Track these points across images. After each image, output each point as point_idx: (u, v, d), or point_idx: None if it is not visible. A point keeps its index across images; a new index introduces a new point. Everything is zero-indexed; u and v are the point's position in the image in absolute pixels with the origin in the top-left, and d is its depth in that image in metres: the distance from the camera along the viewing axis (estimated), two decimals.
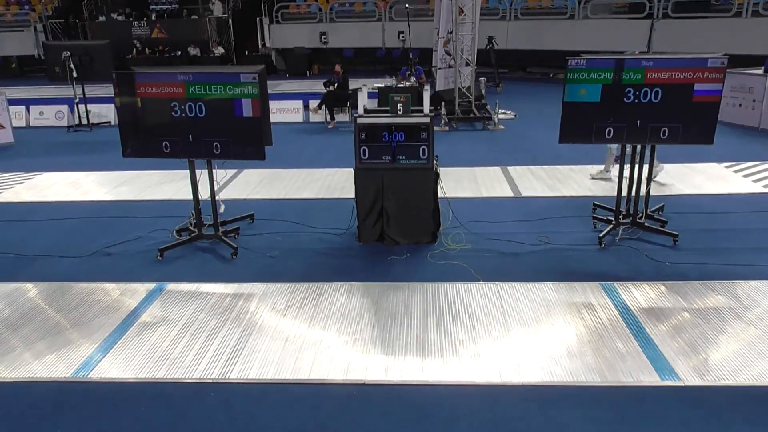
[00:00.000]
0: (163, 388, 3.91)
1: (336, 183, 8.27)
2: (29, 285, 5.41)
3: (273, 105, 11.00)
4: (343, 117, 12.94)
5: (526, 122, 12.49)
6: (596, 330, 4.42)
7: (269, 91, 6.27)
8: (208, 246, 6.17)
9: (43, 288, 5.36)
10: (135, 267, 5.74)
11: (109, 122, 13.10)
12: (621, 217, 6.15)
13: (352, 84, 13.14)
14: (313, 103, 12.98)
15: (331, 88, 12.61)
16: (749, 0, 15.24)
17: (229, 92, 5.49)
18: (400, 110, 5.90)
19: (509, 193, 7.70)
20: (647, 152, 5.95)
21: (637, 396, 3.70)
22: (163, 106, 5.62)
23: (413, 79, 12.87)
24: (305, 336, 4.46)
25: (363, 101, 12.45)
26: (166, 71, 5.73)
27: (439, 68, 13.04)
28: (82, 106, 13.02)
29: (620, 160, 6.11)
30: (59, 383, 3.98)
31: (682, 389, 3.75)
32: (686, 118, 5.50)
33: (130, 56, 21.56)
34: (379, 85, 12.78)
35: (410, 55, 14.21)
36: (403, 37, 18.55)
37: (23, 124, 13.47)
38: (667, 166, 8.04)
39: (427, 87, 12.63)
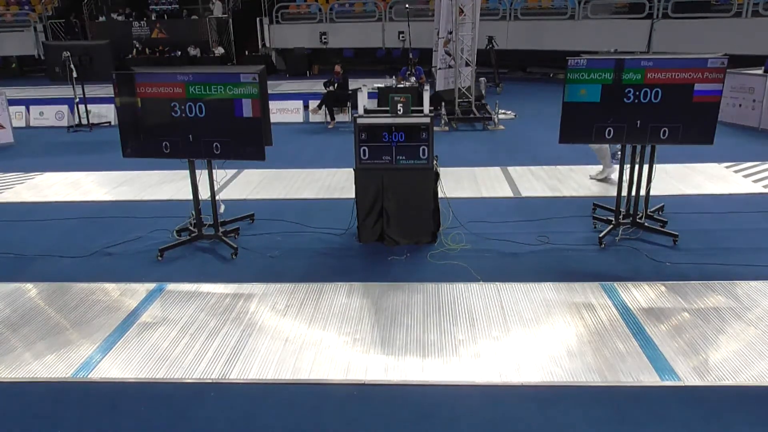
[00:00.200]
0: (163, 388, 3.91)
1: (336, 183, 8.27)
2: (29, 285, 5.41)
3: (273, 105, 11.00)
4: (343, 117, 12.94)
5: (526, 122, 12.49)
6: (596, 330, 4.42)
7: (269, 91, 6.27)
8: (208, 246, 6.17)
9: (43, 288, 5.36)
10: (135, 267, 5.74)
11: (109, 122, 13.10)
12: (621, 217, 6.15)
13: (352, 84, 13.14)
14: (313, 103, 12.98)
15: (331, 88, 12.61)
16: (749, 0, 15.25)
17: (229, 92, 5.49)
18: (400, 110, 5.90)
19: (509, 193, 7.70)
20: (647, 152, 5.95)
21: (637, 396, 3.70)
22: (163, 106, 5.62)
23: (413, 79, 12.87)
24: (305, 336, 4.46)
25: (363, 101, 12.45)
26: (166, 71, 5.72)
27: (439, 68, 13.04)
28: (82, 106, 13.02)
29: (620, 160, 6.10)
30: (59, 383, 3.99)
31: (682, 389, 3.75)
32: (686, 118, 5.50)
33: (130, 56, 21.56)
34: (379, 85, 12.78)
35: (410, 55, 14.21)
36: (403, 37, 18.55)
37: (23, 124, 13.47)
38: (667, 166, 8.05)
39: (427, 87, 12.63)
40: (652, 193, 6.19)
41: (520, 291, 5.04)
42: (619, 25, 17.49)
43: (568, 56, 5.56)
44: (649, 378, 3.85)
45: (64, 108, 13.57)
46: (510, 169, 8.74)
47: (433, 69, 14.50)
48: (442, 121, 12.00)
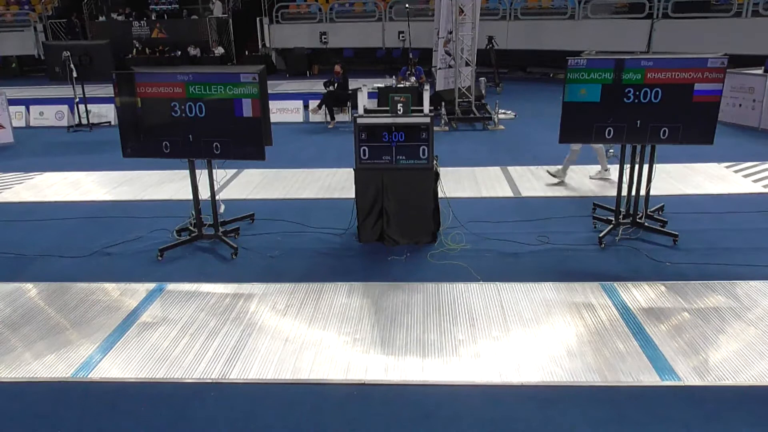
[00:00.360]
0: (163, 388, 3.91)
1: (336, 183, 8.27)
2: (29, 285, 5.41)
3: (273, 105, 10.98)
4: (343, 117, 12.94)
5: (526, 122, 12.48)
6: (596, 330, 4.42)
7: (269, 91, 6.27)
8: (208, 246, 6.17)
9: (43, 288, 5.36)
10: (135, 267, 5.74)
11: (109, 122, 13.10)
12: (621, 217, 6.15)
13: (352, 84, 13.14)
14: (313, 103, 12.98)
15: (331, 88, 12.60)
16: (749, 0, 15.25)
17: (229, 92, 5.49)
18: (400, 110, 5.90)
19: (509, 193, 7.70)
20: (647, 152, 5.95)
21: (637, 396, 3.70)
22: (163, 106, 5.62)
23: (413, 79, 12.87)
24: (305, 336, 4.46)
25: (363, 101, 12.46)
26: (166, 71, 5.73)
27: (439, 68, 13.03)
28: (82, 106, 13.02)
29: (620, 160, 6.10)
30: (59, 383, 3.99)
31: (682, 389, 3.75)
32: (686, 118, 5.50)
33: (130, 56, 21.55)
34: (379, 85, 12.77)
35: (410, 55, 14.21)
36: (403, 37, 18.55)
37: (23, 124, 13.46)
38: (668, 166, 8.04)
39: (427, 87, 12.63)
40: (652, 193, 6.19)
41: (520, 291, 5.04)
42: (619, 25, 17.49)
43: (568, 56, 5.56)
44: (649, 378, 3.85)
45: (64, 108, 13.57)
46: (510, 168, 8.74)
47: (433, 69, 14.50)
48: (442, 121, 12.00)
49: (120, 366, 4.14)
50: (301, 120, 13.21)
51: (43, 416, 3.68)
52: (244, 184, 8.38)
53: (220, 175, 7.09)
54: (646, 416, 3.52)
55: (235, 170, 8.79)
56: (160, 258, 5.87)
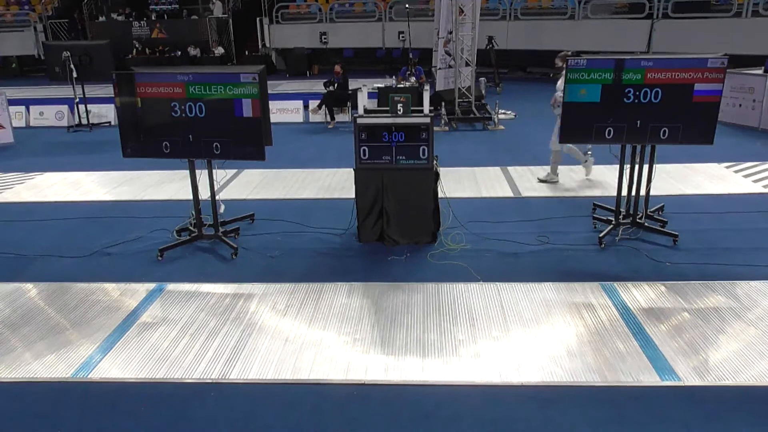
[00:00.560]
0: (163, 388, 3.91)
1: (336, 183, 8.27)
2: (29, 285, 5.41)
3: (273, 105, 11.00)
4: (343, 117, 12.94)
5: (526, 122, 12.48)
6: (596, 330, 4.42)
7: (269, 91, 6.27)
8: (208, 246, 6.17)
9: (43, 288, 5.36)
10: (135, 267, 5.74)
11: (109, 122, 13.10)
12: (621, 217, 6.15)
13: (352, 84, 13.14)
14: (313, 103, 12.98)
15: (331, 88, 12.61)
16: (749, 0, 15.25)
17: (229, 92, 5.49)
18: (400, 110, 5.90)
19: (509, 193, 7.70)
20: (647, 152, 5.95)
21: (637, 396, 3.70)
22: (163, 106, 5.62)
23: (413, 79, 12.87)
24: (305, 336, 4.46)
25: (363, 101, 12.46)
26: (166, 71, 5.73)
27: (439, 68, 13.04)
28: (82, 106, 13.02)
29: (620, 160, 6.10)
30: (59, 383, 3.99)
31: (682, 389, 3.75)
32: (686, 118, 5.50)
33: (130, 56, 21.56)
34: (379, 85, 12.78)
35: (410, 55, 14.21)
36: (403, 37, 18.55)
37: (23, 124, 13.47)
38: (668, 166, 8.04)
39: (427, 87, 12.63)
40: (652, 193, 6.18)
41: (520, 291, 5.04)
42: (619, 25, 17.49)
43: (568, 56, 5.56)
44: (649, 378, 3.85)
45: (64, 108, 13.57)
46: (510, 168, 8.74)
47: (433, 69, 14.50)
48: (442, 121, 12.00)
49: (120, 366, 4.14)
50: (301, 120, 13.21)
51: (43, 416, 3.68)
52: (244, 184, 8.38)
53: (220, 175, 7.09)
54: (646, 416, 3.52)
55: (235, 170, 8.79)
56: (160, 258, 5.87)
